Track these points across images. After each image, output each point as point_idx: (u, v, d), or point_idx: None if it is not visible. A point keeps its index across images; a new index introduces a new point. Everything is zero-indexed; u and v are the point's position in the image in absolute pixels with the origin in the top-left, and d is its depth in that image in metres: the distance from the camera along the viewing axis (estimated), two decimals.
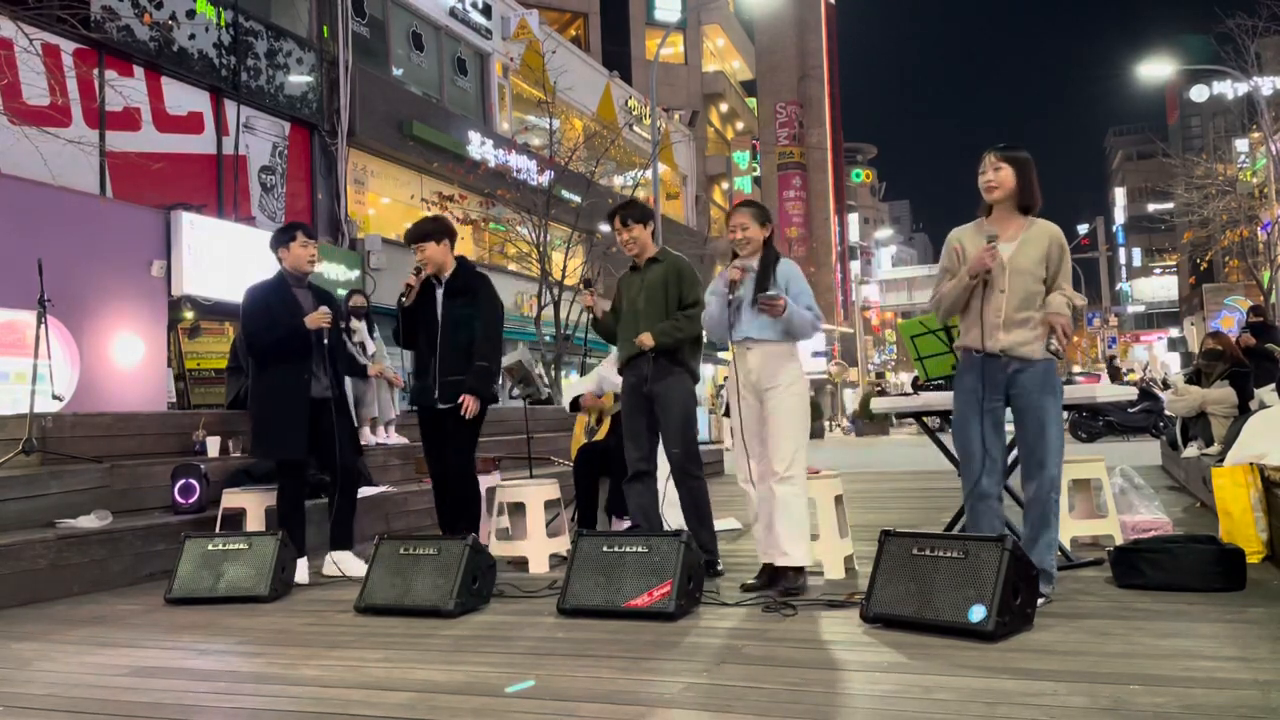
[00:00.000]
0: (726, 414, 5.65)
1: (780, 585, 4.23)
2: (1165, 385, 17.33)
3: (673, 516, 5.36)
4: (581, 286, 5.11)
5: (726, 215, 4.61)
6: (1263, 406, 6.61)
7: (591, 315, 5.14)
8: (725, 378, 4.99)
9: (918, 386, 5.14)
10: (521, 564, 5.36)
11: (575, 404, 6.26)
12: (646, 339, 4.71)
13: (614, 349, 6.32)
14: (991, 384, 3.86)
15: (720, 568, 4.82)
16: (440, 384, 5.07)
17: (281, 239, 5.28)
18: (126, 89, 11.71)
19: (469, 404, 5.03)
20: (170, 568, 4.85)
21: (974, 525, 3.91)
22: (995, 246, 3.82)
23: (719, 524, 5.77)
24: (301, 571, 5.07)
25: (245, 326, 5.24)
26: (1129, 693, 2.68)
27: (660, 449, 4.95)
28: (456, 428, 5.08)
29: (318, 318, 5.08)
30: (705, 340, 4.95)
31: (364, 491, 6.33)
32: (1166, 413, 12.24)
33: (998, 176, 3.88)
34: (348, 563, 5.20)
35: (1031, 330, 3.81)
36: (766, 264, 4.39)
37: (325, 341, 5.16)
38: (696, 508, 4.79)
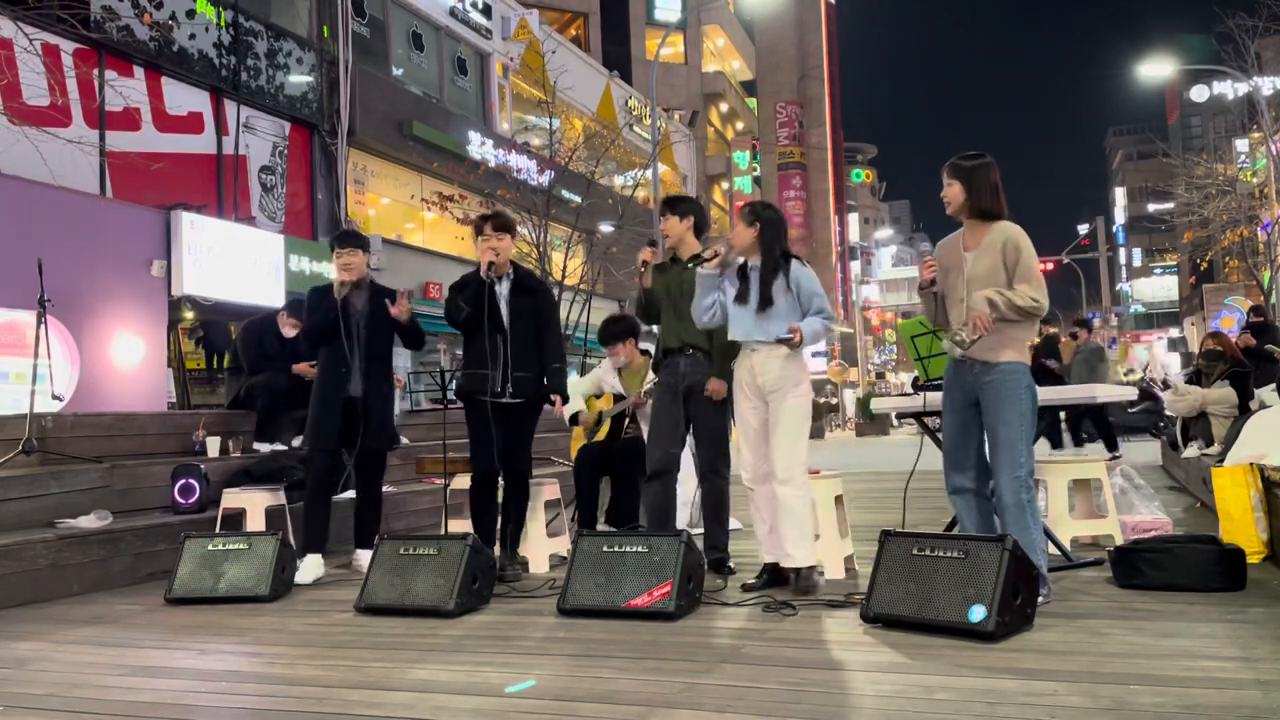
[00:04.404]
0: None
1: (793, 586, 4.27)
2: (1165, 385, 17.32)
3: (683, 516, 5.36)
4: (648, 243, 4.92)
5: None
6: (1263, 406, 6.61)
7: (641, 286, 4.91)
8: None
9: (918, 386, 5.14)
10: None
11: (574, 419, 6.29)
12: (720, 390, 4.68)
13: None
14: (963, 388, 4.01)
15: (731, 565, 4.83)
16: (513, 379, 5.01)
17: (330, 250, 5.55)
18: (126, 89, 11.71)
19: (560, 405, 5.15)
20: (170, 568, 4.85)
21: (958, 519, 4.12)
22: (931, 260, 4.03)
23: None
24: (313, 568, 5.09)
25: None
26: (1129, 693, 2.68)
27: (683, 451, 4.96)
28: (523, 425, 5.13)
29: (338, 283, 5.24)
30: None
31: None
32: (1167, 413, 12.24)
33: (949, 193, 4.01)
34: (365, 561, 5.22)
35: (993, 335, 3.87)
36: (766, 272, 4.33)
37: (358, 341, 5.25)
38: (718, 506, 4.82)
